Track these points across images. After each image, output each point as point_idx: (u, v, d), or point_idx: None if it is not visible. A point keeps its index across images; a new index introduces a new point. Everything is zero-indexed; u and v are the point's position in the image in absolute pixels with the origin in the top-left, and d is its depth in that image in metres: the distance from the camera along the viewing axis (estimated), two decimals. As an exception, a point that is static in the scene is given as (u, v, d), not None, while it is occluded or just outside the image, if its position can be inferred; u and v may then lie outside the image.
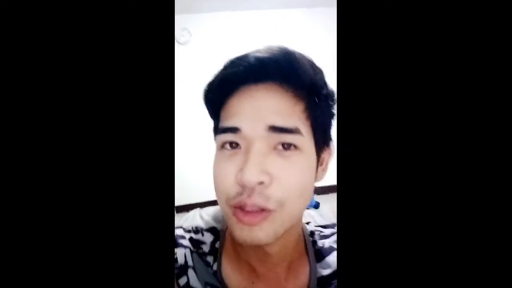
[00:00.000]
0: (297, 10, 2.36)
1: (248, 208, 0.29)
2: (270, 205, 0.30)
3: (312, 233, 0.42)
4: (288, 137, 0.30)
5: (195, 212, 0.44)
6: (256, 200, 0.29)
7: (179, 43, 1.86)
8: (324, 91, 0.33)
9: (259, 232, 0.30)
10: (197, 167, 2.12)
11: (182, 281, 0.37)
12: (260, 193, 0.29)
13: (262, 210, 0.30)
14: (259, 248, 0.35)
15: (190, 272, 0.38)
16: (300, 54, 0.32)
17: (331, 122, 0.35)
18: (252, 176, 0.28)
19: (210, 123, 0.37)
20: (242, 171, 0.29)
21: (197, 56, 2.26)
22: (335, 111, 0.35)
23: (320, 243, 0.40)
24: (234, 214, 0.31)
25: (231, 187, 0.30)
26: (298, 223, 0.38)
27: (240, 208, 0.30)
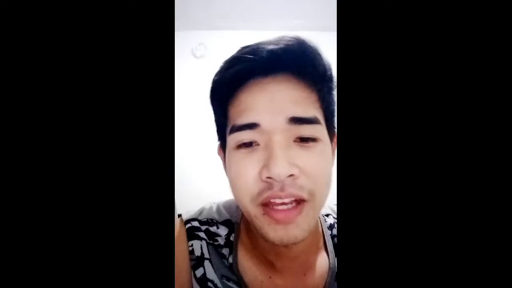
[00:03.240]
0: (314, 32, 2.39)
1: (281, 201, 0.29)
2: (305, 195, 0.29)
3: (331, 226, 0.40)
4: (307, 128, 0.30)
5: (211, 204, 0.44)
6: (290, 191, 0.28)
7: (196, 57, 1.93)
8: (331, 80, 0.33)
9: (295, 230, 0.29)
10: (197, 170, 2.08)
11: (199, 272, 0.36)
12: (292, 184, 0.28)
13: (297, 204, 0.29)
14: (278, 248, 0.34)
15: (207, 264, 0.37)
16: (314, 44, 0.32)
17: (334, 111, 0.35)
18: (282, 169, 0.27)
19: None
20: (269, 166, 0.28)
21: (213, 70, 2.31)
22: (335, 99, 0.35)
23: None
24: (266, 214, 0.29)
25: (254, 185, 0.29)
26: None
27: (271, 206, 0.29)
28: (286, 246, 0.30)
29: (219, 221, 0.41)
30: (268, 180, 0.28)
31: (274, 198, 0.29)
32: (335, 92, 0.34)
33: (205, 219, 0.41)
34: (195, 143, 1.76)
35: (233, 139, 0.31)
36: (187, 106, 1.82)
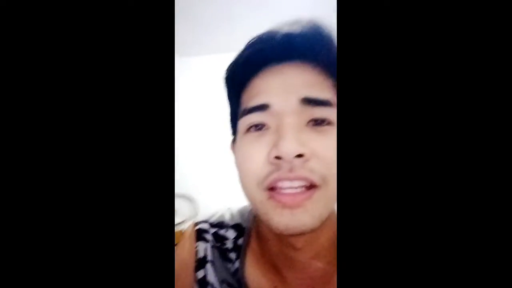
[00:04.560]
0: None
1: (290, 185, 0.26)
2: (316, 179, 0.27)
3: None
4: (322, 110, 0.28)
5: (226, 209, 0.43)
6: (299, 173, 0.26)
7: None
8: None
9: (303, 215, 0.26)
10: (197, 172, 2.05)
11: (200, 274, 0.36)
12: (302, 166, 0.26)
13: (307, 188, 0.27)
14: (287, 247, 0.32)
15: (208, 266, 0.36)
16: (329, 29, 0.30)
17: None
18: (291, 147, 0.25)
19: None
20: (278, 145, 0.26)
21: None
22: None
23: None
24: (271, 198, 0.27)
25: (263, 168, 0.27)
26: (333, 213, 0.33)
27: (278, 189, 0.27)
28: (294, 237, 0.27)
29: (230, 224, 0.39)
30: (276, 161, 0.26)
31: (282, 180, 0.27)
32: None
33: (216, 222, 0.40)
34: (195, 144, 1.75)
35: (243, 122, 0.30)
36: (187, 107, 1.83)
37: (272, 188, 0.27)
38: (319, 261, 0.33)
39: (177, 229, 1.41)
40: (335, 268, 0.33)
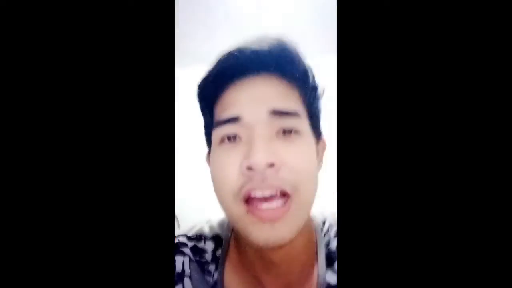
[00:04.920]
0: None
1: (262, 195, 0.27)
2: (288, 188, 0.28)
3: (326, 233, 0.38)
4: (290, 121, 0.30)
5: (203, 221, 0.43)
6: (271, 182, 0.27)
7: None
8: (313, 84, 0.34)
9: (282, 229, 0.27)
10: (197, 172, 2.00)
11: None
12: (273, 176, 0.27)
13: (283, 202, 0.28)
14: (265, 256, 0.32)
15: (186, 281, 0.36)
16: (294, 46, 0.33)
17: (319, 116, 0.35)
18: (261, 157, 0.26)
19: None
20: (249, 156, 0.27)
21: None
22: (321, 106, 0.35)
23: (334, 243, 0.36)
24: (250, 212, 0.28)
25: (237, 179, 0.28)
26: (307, 221, 0.35)
27: (253, 202, 0.28)
28: (268, 250, 0.28)
29: (208, 236, 0.39)
30: (249, 172, 0.28)
31: (255, 190, 0.28)
32: (317, 96, 0.35)
33: (194, 235, 0.40)
34: (195, 145, 1.71)
35: (216, 134, 0.31)
36: (187, 108, 1.80)
37: (247, 200, 0.28)
38: (296, 265, 0.34)
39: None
40: (310, 269, 0.35)
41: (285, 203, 0.28)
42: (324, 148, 0.37)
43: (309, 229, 0.36)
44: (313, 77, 0.34)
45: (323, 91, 0.36)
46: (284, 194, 0.28)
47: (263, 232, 0.27)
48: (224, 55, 0.32)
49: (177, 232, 0.41)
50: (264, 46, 0.31)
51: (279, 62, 0.31)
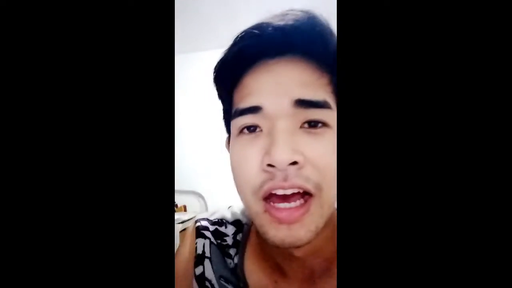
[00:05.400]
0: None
1: (283, 193, 0.26)
2: (311, 187, 0.26)
3: None
4: (316, 112, 0.26)
5: (226, 207, 0.43)
6: (294, 181, 0.25)
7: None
8: None
9: (300, 230, 0.26)
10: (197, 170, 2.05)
11: (198, 270, 0.36)
12: (296, 174, 0.25)
13: (302, 203, 0.26)
14: (286, 250, 0.31)
15: (206, 263, 0.36)
16: (325, 20, 0.28)
17: None
18: (284, 155, 0.24)
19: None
20: (270, 152, 0.25)
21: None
22: None
23: None
24: (267, 211, 0.27)
25: (256, 176, 0.26)
26: (333, 215, 0.32)
27: (272, 202, 0.26)
28: (288, 248, 0.27)
29: (230, 221, 0.39)
30: (270, 169, 0.25)
31: (276, 189, 0.26)
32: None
33: (216, 219, 0.40)
34: (204, 142, 1.76)
35: (235, 124, 0.29)
36: (187, 107, 1.83)
37: (267, 198, 0.27)
38: (319, 257, 0.33)
39: (187, 225, 1.43)
40: (333, 262, 0.33)
41: (305, 202, 0.26)
42: None
43: (334, 221, 0.34)
44: None
45: None
46: (307, 193, 0.26)
47: (279, 232, 0.26)
48: (242, 33, 0.29)
49: (200, 216, 0.42)
50: (290, 21, 0.27)
51: (307, 41, 0.27)
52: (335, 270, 0.32)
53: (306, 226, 0.26)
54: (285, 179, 0.25)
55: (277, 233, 0.26)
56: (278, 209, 0.26)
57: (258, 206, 0.27)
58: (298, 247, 0.26)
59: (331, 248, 0.33)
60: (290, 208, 0.26)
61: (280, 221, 0.26)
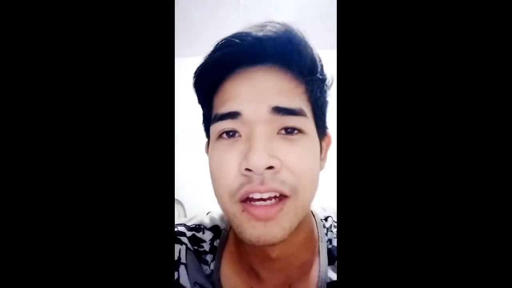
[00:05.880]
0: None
1: (260, 197, 0.27)
2: (286, 191, 0.27)
3: (328, 230, 0.37)
4: (292, 119, 0.28)
5: (204, 213, 0.43)
6: (270, 185, 0.26)
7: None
8: (321, 75, 0.31)
9: (274, 228, 0.27)
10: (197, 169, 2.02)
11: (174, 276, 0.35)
12: (272, 178, 0.26)
13: (278, 200, 0.27)
14: (262, 251, 0.32)
15: (181, 269, 0.36)
16: (301, 33, 0.30)
17: (326, 109, 0.33)
18: (261, 160, 0.25)
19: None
20: (248, 157, 0.26)
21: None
22: (329, 98, 0.33)
23: (335, 241, 0.35)
24: (245, 210, 0.27)
25: (234, 179, 0.27)
26: (307, 217, 0.34)
27: (249, 201, 0.27)
28: (263, 246, 0.28)
29: (208, 227, 0.39)
30: (247, 173, 0.26)
31: (253, 193, 0.27)
32: (325, 89, 0.32)
33: (193, 225, 0.40)
34: (195, 143, 1.74)
35: (215, 129, 0.30)
36: (187, 107, 1.81)
37: (244, 200, 0.28)
38: (295, 261, 0.33)
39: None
40: (309, 267, 0.34)
41: (280, 201, 0.27)
42: (329, 144, 0.35)
43: (310, 226, 0.35)
44: (322, 67, 0.31)
45: (331, 81, 0.33)
46: (283, 197, 0.27)
47: (256, 230, 0.27)
48: (223, 41, 0.30)
49: (177, 221, 0.41)
50: (268, 32, 0.28)
51: (284, 52, 0.28)
52: (310, 275, 0.33)
53: (280, 223, 0.27)
54: (262, 183, 0.26)
55: (254, 231, 0.27)
56: (255, 206, 0.27)
57: (235, 207, 0.28)
58: (272, 245, 0.28)
59: (307, 253, 0.34)
60: (266, 206, 0.27)
61: (257, 218, 0.27)
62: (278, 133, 0.28)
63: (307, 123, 0.29)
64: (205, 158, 0.33)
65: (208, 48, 0.32)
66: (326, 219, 0.38)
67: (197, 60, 0.32)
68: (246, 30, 0.29)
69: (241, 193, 0.27)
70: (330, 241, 0.36)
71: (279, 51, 0.28)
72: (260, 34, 0.28)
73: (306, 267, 0.34)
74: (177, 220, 0.42)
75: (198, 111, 0.35)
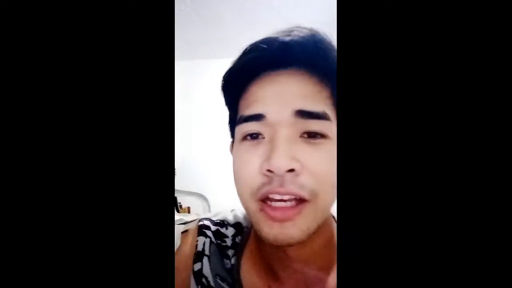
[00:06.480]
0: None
1: (280, 198, 0.27)
2: (305, 194, 0.27)
3: None
4: (315, 123, 0.28)
5: (229, 209, 0.45)
6: (289, 188, 0.27)
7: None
8: None
9: (291, 229, 0.27)
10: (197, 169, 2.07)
11: (196, 266, 0.37)
12: (292, 181, 0.27)
13: (297, 203, 0.28)
14: (281, 250, 0.33)
15: (205, 260, 0.37)
16: (329, 38, 0.31)
17: None
18: (282, 162, 0.26)
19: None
20: (270, 158, 0.27)
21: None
22: None
23: None
24: (262, 210, 0.28)
25: (255, 179, 0.28)
26: (327, 221, 0.34)
27: (268, 201, 0.28)
28: (281, 246, 0.29)
29: (231, 223, 0.41)
30: (268, 173, 0.27)
31: (273, 194, 0.28)
32: None
33: (218, 220, 0.42)
34: (210, 144, 1.79)
35: (239, 130, 0.31)
36: (187, 107, 1.86)
37: (263, 200, 0.28)
38: (312, 265, 0.34)
39: (189, 226, 1.44)
40: (328, 273, 0.34)
41: (299, 204, 0.28)
42: None
43: (330, 230, 0.35)
44: None
45: None
46: (302, 200, 0.28)
47: (273, 229, 0.28)
48: (251, 46, 0.31)
49: (203, 215, 0.44)
50: (295, 37, 0.29)
51: (310, 56, 0.29)
52: (328, 280, 0.33)
53: (298, 225, 0.28)
54: (282, 185, 0.27)
55: (270, 230, 0.28)
56: (273, 207, 0.28)
57: (254, 206, 0.29)
58: (290, 245, 0.28)
59: (327, 258, 0.34)
60: (284, 207, 0.28)
61: (274, 219, 0.28)
62: (300, 136, 0.28)
63: (331, 127, 0.29)
64: (229, 156, 0.35)
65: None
66: None
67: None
68: (273, 35, 0.30)
69: (261, 193, 0.28)
70: None
71: (305, 55, 0.29)
72: (287, 39, 0.29)
73: (324, 272, 0.34)
74: (203, 215, 0.44)
75: (225, 112, 0.37)
